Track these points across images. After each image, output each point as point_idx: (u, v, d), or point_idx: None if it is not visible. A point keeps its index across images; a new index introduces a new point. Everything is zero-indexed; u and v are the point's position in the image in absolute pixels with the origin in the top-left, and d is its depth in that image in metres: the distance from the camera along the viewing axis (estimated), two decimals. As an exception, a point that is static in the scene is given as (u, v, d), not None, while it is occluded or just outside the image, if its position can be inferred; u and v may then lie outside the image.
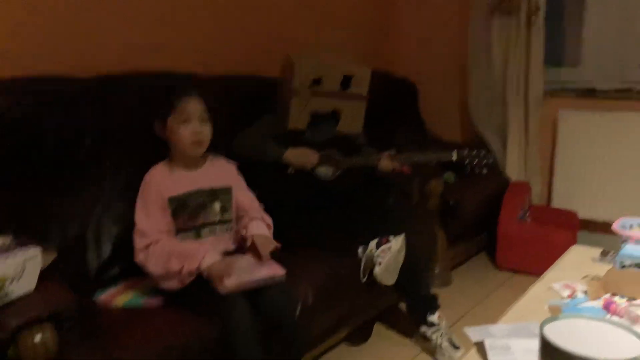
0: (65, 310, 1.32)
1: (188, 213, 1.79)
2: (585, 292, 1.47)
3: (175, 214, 1.77)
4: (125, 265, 1.89)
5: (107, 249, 1.91)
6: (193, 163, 1.86)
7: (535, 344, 1.01)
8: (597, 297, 1.42)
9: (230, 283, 1.58)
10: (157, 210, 1.74)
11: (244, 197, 1.95)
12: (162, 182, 1.78)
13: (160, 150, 1.88)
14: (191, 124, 1.78)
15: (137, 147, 2.03)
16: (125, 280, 1.84)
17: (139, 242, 1.72)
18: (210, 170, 1.89)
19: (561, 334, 0.98)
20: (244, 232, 1.82)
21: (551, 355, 0.95)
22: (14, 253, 1.32)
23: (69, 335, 1.33)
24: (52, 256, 1.43)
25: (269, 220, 1.90)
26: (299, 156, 2.27)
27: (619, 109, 3.14)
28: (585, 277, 1.58)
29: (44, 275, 1.37)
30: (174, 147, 1.83)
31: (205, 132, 1.82)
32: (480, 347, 1.21)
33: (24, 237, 1.43)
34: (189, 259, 1.64)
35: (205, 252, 1.66)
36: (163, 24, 2.44)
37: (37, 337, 1.26)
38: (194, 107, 1.80)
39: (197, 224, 1.81)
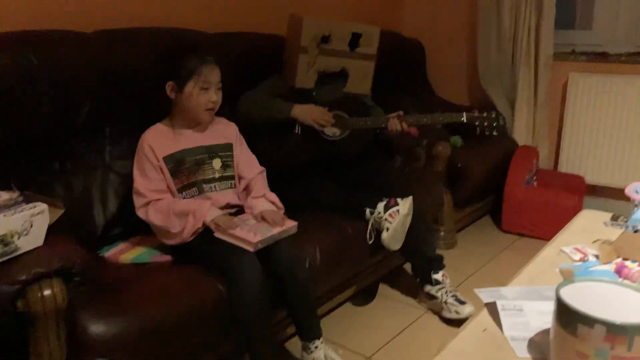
0: (73, 265, 1.32)
1: (186, 170, 1.80)
2: (597, 256, 1.46)
3: (173, 172, 1.78)
4: (131, 223, 1.89)
5: (112, 207, 1.91)
6: (196, 123, 1.85)
7: (547, 307, 1.00)
8: (608, 261, 1.41)
9: (256, 240, 1.62)
10: (152, 170, 1.75)
11: (244, 157, 1.95)
12: (158, 142, 1.78)
13: (163, 110, 1.86)
14: (209, 92, 1.79)
15: (139, 105, 1.99)
16: (132, 237, 1.84)
17: (136, 201, 1.75)
18: (211, 128, 1.90)
19: (576, 297, 0.97)
20: (249, 211, 1.82)
21: (568, 317, 0.94)
22: (22, 208, 1.31)
23: (78, 289, 1.33)
24: (59, 211, 1.42)
25: (273, 197, 1.89)
26: (309, 112, 2.23)
27: (631, 73, 3.08)
28: (595, 241, 1.57)
29: (52, 230, 1.36)
30: (183, 109, 1.81)
31: (219, 100, 1.84)
32: (492, 308, 1.20)
33: (31, 192, 1.41)
34: (191, 218, 1.66)
35: (206, 209, 1.70)
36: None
37: (47, 291, 1.26)
38: (214, 75, 1.81)
39: (197, 180, 1.81)
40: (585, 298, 0.99)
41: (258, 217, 1.77)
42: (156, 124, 1.84)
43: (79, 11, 2.05)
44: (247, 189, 1.91)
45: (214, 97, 1.81)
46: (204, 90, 1.78)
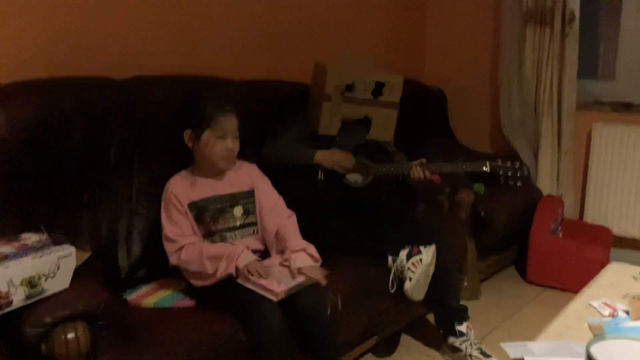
0: (98, 308, 1.33)
1: (208, 218, 1.81)
2: (627, 312, 1.42)
3: (197, 219, 1.79)
4: (155, 266, 1.90)
5: (137, 249, 1.94)
6: (216, 172, 1.87)
7: (578, 364, 0.97)
8: (639, 317, 1.38)
9: (280, 290, 1.61)
10: (179, 216, 1.76)
11: (269, 200, 1.94)
12: (182, 190, 1.80)
13: (187, 153, 1.89)
14: (226, 141, 1.81)
15: (165, 149, 2.04)
16: (155, 280, 1.85)
17: (168, 247, 1.75)
18: (232, 175, 1.91)
19: (607, 355, 0.95)
20: (286, 264, 1.77)
21: (600, 376, 0.92)
22: (49, 251, 1.33)
23: (101, 332, 1.34)
24: (86, 254, 1.45)
25: (313, 250, 1.84)
26: (331, 155, 2.25)
27: (656, 124, 3.06)
28: (625, 295, 1.53)
29: (78, 273, 1.37)
30: (202, 158, 1.83)
31: (237, 148, 1.85)
32: (519, 364, 1.17)
33: (59, 234, 1.44)
34: (224, 261, 1.66)
35: (239, 253, 1.69)
36: (194, 29, 2.45)
37: (70, 334, 1.26)
38: (231, 124, 1.82)
39: (219, 229, 1.82)
40: (617, 356, 0.96)
41: (295, 272, 1.72)
42: (180, 171, 1.87)
43: (116, 59, 2.14)
44: (277, 236, 1.87)
45: (230, 144, 1.81)
46: (220, 139, 1.80)
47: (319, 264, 1.82)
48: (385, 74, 2.42)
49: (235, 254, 1.68)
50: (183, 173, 1.87)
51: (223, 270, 1.66)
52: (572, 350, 1.19)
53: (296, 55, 2.87)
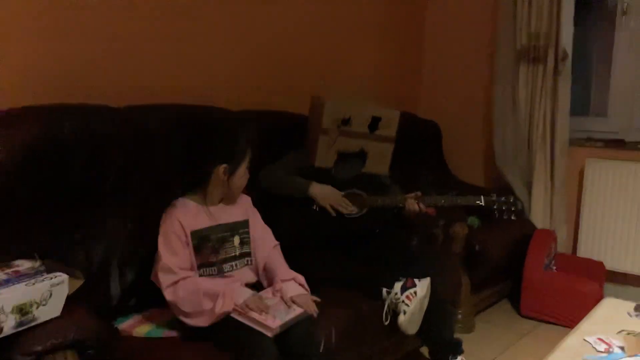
0: (89, 337, 1.31)
1: (210, 248, 1.79)
2: (622, 348, 1.42)
3: (197, 248, 1.76)
4: (146, 295, 1.88)
5: (130, 278, 1.91)
6: (221, 202, 1.87)
7: (573, 400, 0.96)
8: (635, 354, 1.37)
9: (275, 325, 1.59)
10: (180, 246, 1.73)
11: (259, 230, 1.95)
12: (184, 217, 1.77)
13: (186, 183, 1.89)
14: (247, 172, 1.86)
15: (161, 179, 2.04)
16: (146, 309, 1.83)
17: (165, 279, 1.68)
18: (228, 204, 1.90)
19: (603, 391, 0.94)
20: (278, 295, 1.76)
21: (596, 413, 0.91)
22: (42, 278, 1.32)
23: (91, 361, 1.32)
24: (79, 282, 1.43)
25: (302, 279, 1.85)
26: (325, 196, 2.26)
27: (647, 160, 3.11)
28: (620, 331, 1.53)
29: (70, 300, 1.36)
30: (227, 190, 1.83)
31: None
32: (514, 400, 1.16)
33: (52, 262, 1.43)
34: (221, 299, 1.62)
35: (237, 289, 1.67)
36: (194, 61, 2.48)
37: (60, 363, 1.24)
38: (251, 156, 1.87)
39: (219, 259, 1.80)
40: (613, 393, 0.95)
41: (288, 302, 1.71)
42: (183, 198, 1.84)
43: (112, 87, 2.15)
44: (265, 267, 1.88)
45: (248, 175, 1.87)
46: (247, 170, 1.84)
47: (308, 294, 1.81)
48: (382, 109, 2.45)
49: (233, 291, 1.66)
50: (187, 200, 1.83)
51: (220, 307, 1.61)
52: (567, 387, 1.18)
53: (293, 87, 2.90)
